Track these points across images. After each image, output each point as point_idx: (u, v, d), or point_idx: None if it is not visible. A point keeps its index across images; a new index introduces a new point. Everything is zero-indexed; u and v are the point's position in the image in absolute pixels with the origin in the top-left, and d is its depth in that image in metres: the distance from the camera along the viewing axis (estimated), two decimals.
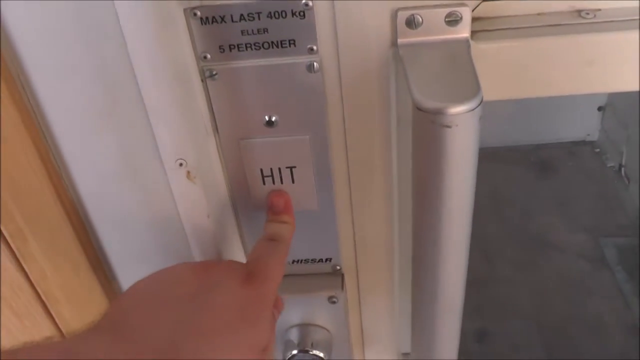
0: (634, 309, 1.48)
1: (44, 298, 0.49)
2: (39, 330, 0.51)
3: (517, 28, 0.39)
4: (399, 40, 0.37)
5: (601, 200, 1.76)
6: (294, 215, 0.45)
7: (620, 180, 1.81)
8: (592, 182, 1.81)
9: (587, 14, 0.39)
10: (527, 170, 1.88)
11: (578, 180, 1.83)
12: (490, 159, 1.92)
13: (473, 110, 0.32)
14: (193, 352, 0.32)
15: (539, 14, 0.40)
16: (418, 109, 0.32)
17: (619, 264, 1.58)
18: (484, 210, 1.78)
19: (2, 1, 0.35)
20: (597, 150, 1.91)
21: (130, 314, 0.34)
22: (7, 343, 0.52)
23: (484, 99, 0.39)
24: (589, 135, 1.91)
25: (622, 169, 1.80)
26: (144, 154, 0.41)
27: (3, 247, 0.45)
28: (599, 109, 1.87)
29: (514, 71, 0.39)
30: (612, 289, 1.52)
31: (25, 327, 0.51)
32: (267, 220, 0.44)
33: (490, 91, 0.40)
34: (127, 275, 0.49)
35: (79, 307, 0.50)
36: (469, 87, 0.33)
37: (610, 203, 1.74)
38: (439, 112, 0.32)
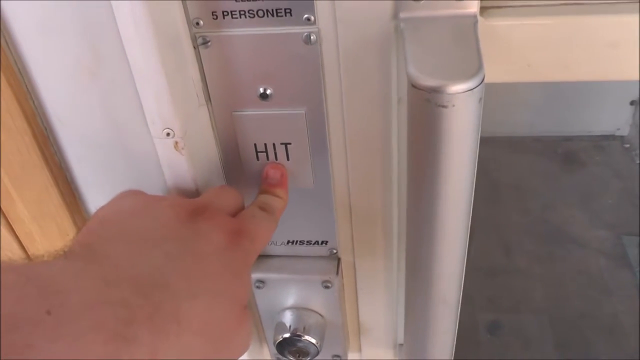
0: None
1: None
2: None
3: (531, 6, 0.36)
4: (402, 14, 0.34)
5: (627, 197, 1.71)
6: (289, 193, 0.43)
7: None
8: (618, 178, 1.76)
9: None
10: (553, 162, 1.84)
11: (604, 175, 1.78)
12: (515, 148, 1.88)
13: (472, 90, 0.29)
14: (183, 291, 0.30)
15: None
16: (413, 86, 0.30)
17: None
18: (506, 200, 1.75)
19: None
20: (627, 145, 1.85)
21: (107, 242, 0.32)
22: None
23: (493, 80, 0.36)
24: (619, 129, 1.86)
25: None
26: (132, 119, 0.39)
27: None
28: (632, 102, 1.82)
29: (526, 52, 0.37)
30: (631, 288, 1.48)
31: None
32: (260, 192, 0.42)
33: (500, 73, 0.37)
34: None
35: None
36: (470, 65, 0.30)
37: (636, 201, 1.69)
38: (434, 90, 0.29)
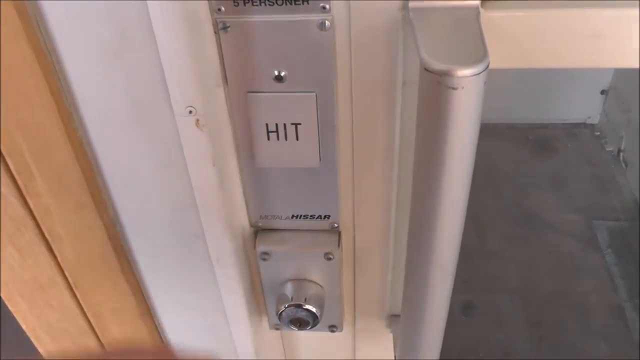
0: (620, 290, 1.51)
1: (47, 235, 0.50)
2: (40, 267, 0.53)
3: None
4: (410, 4, 0.38)
5: (597, 183, 1.78)
6: (295, 172, 0.46)
7: (617, 164, 1.82)
8: (589, 164, 1.83)
9: None
10: (526, 148, 1.90)
11: (576, 161, 1.84)
12: (489, 135, 1.93)
13: (479, 74, 0.33)
14: None
15: None
16: (426, 69, 0.33)
17: (610, 246, 1.60)
18: (480, 185, 1.80)
19: None
20: (597, 133, 1.92)
21: None
22: (9, 280, 0.54)
23: (492, 66, 0.40)
24: (589, 118, 1.92)
25: (621, 153, 1.81)
26: (152, 99, 0.42)
27: (9, 183, 0.46)
28: (602, 92, 1.88)
29: (521, 41, 0.40)
30: (600, 270, 1.54)
31: (28, 264, 0.52)
32: None
33: (497, 59, 0.40)
34: (131, 217, 0.50)
35: (81, 245, 0.51)
36: (477, 51, 0.34)
37: (606, 186, 1.76)
38: (446, 74, 0.33)
